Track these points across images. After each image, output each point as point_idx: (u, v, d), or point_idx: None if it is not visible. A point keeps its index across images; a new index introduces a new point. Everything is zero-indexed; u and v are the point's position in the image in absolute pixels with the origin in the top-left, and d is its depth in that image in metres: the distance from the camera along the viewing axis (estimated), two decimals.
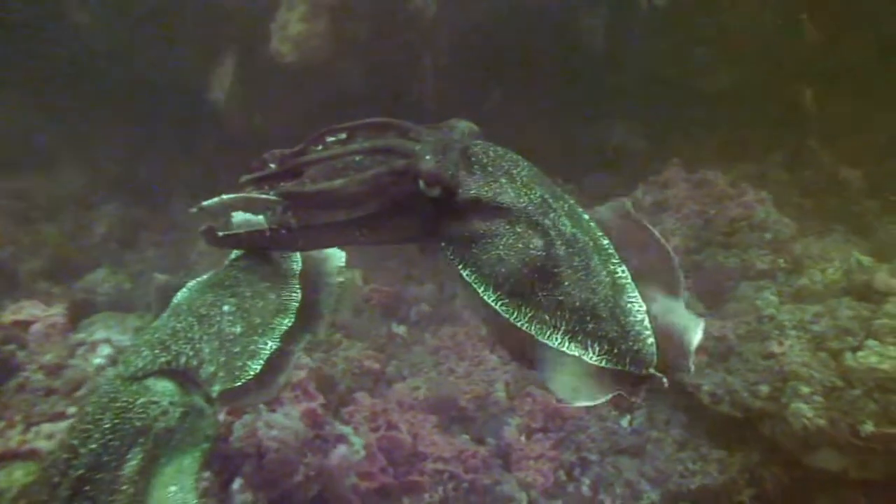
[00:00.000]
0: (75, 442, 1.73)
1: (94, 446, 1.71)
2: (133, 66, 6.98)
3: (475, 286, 1.72)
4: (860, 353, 3.67)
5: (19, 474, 2.50)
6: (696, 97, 7.01)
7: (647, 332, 1.64)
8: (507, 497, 4.08)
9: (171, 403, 1.82)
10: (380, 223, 1.87)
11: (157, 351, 1.87)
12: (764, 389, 3.83)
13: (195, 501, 1.79)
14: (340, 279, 2.31)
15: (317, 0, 5.82)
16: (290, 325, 2.03)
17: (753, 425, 3.94)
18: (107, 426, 1.74)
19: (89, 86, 7.08)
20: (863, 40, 6.54)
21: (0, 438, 2.53)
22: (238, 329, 1.96)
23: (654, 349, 1.63)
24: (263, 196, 1.93)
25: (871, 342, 3.79)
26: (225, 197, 1.96)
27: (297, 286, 2.12)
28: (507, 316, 1.69)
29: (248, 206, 1.98)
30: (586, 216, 1.85)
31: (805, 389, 3.66)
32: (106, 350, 2.82)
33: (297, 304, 2.08)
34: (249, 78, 6.66)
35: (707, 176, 5.80)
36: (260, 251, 2.11)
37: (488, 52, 6.58)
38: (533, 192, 1.77)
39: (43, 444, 2.56)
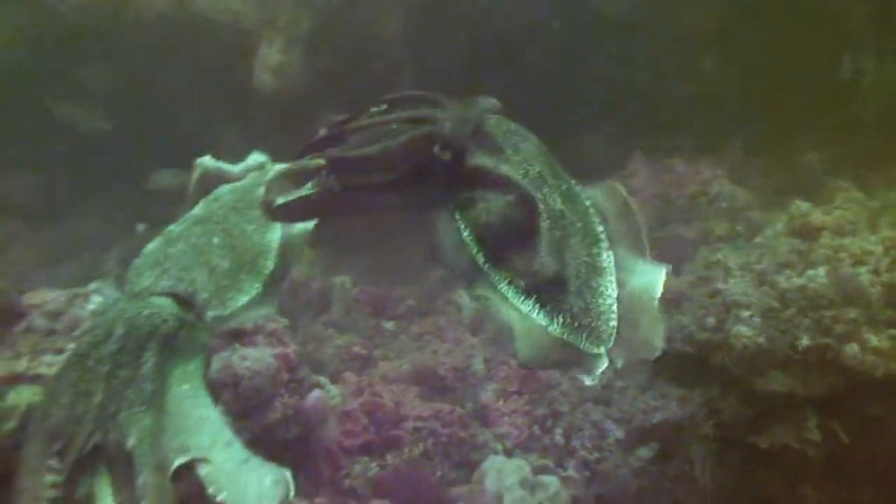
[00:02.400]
0: (95, 347, 1.94)
1: (113, 347, 1.93)
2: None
3: (470, 248, 1.86)
4: (794, 278, 3.94)
5: (27, 394, 2.85)
6: (662, 102, 7.43)
7: (610, 315, 1.72)
8: (483, 446, 4.32)
9: (170, 314, 2.06)
10: (406, 187, 2.01)
11: (157, 273, 2.12)
12: (710, 321, 4.09)
13: (206, 396, 2.01)
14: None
15: (291, 33, 6.38)
16: (272, 267, 2.25)
17: (708, 361, 4.18)
18: (120, 332, 1.97)
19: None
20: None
21: (9, 365, 2.92)
22: (226, 264, 2.19)
23: (612, 331, 1.70)
24: (312, 162, 2.08)
25: (809, 272, 4.06)
26: (280, 167, 2.17)
27: (278, 230, 2.33)
28: (492, 278, 1.82)
29: (300, 172, 2.13)
30: (587, 201, 1.96)
31: (745, 314, 3.92)
32: (98, 298, 3.22)
33: (276, 248, 2.30)
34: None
35: (668, 164, 6.18)
36: (304, 217, 2.25)
37: (457, 79, 7.07)
38: (532, 167, 1.90)
39: (45, 370, 2.94)
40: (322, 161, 2.03)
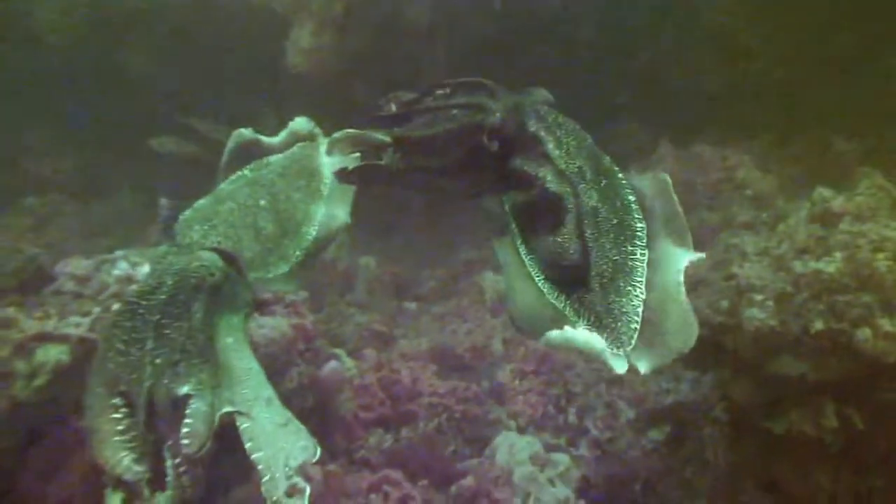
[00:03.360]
0: (145, 297, 1.98)
1: (162, 297, 1.97)
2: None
3: (516, 240, 1.94)
4: (810, 262, 3.92)
5: (54, 352, 3.05)
6: (698, 91, 7.37)
7: (633, 317, 1.70)
8: (496, 423, 4.40)
9: (217, 268, 2.10)
10: (457, 173, 2.08)
11: (206, 228, 2.18)
12: (724, 305, 4.10)
13: (249, 351, 2.06)
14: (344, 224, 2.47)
15: (324, 15, 6.49)
16: (314, 235, 2.29)
17: (721, 344, 4.19)
18: (170, 283, 2.01)
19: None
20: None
21: (39, 325, 3.09)
22: (271, 227, 2.24)
23: (632, 334, 1.68)
24: (378, 136, 2.19)
25: (826, 258, 4.04)
26: (349, 131, 2.28)
27: (322, 203, 2.37)
28: (531, 271, 1.87)
29: (365, 141, 2.26)
30: (630, 196, 1.94)
31: (758, 297, 3.92)
32: (123, 265, 3.38)
33: (319, 220, 2.34)
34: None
35: (696, 150, 6.15)
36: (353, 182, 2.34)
37: (487, 61, 7.10)
38: (573, 162, 1.92)
39: (72, 331, 3.11)
40: (387, 138, 2.12)
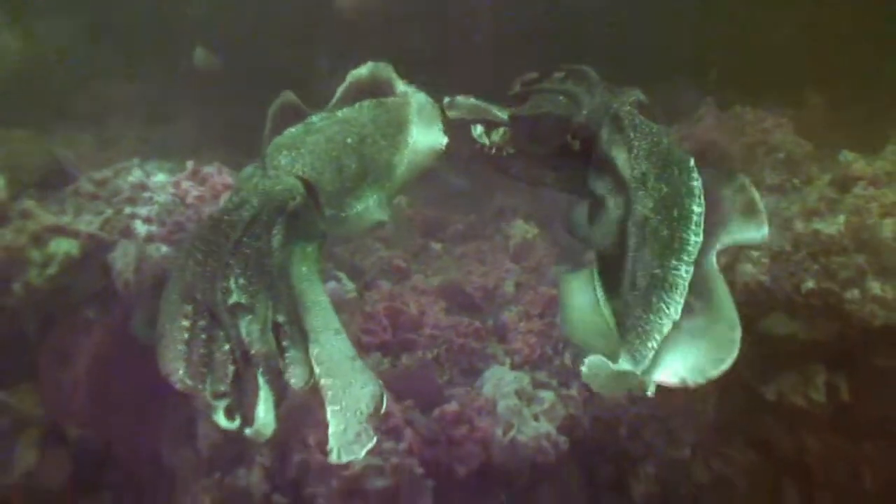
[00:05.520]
0: (228, 214, 2.02)
1: (245, 215, 2.00)
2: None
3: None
4: (812, 223, 3.89)
5: (65, 245, 3.35)
6: (750, 56, 7.16)
7: (655, 337, 1.67)
8: (491, 358, 4.55)
9: (299, 194, 2.13)
10: (551, 164, 2.11)
11: (293, 155, 2.22)
12: (722, 260, 4.09)
13: (320, 282, 2.09)
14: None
15: None
16: (392, 185, 2.30)
17: None
18: (254, 202, 2.04)
19: None
20: None
21: (55, 219, 3.41)
22: (353, 167, 2.25)
23: (649, 355, 1.65)
24: (498, 112, 2.21)
25: (830, 219, 3.99)
26: (473, 100, 2.27)
27: (406, 157, 2.35)
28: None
29: (481, 113, 2.26)
30: (694, 208, 1.81)
31: (755, 254, 3.92)
32: (138, 173, 3.66)
33: (400, 172, 2.33)
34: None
35: (738, 111, 6.01)
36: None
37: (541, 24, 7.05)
38: (638, 166, 1.87)
39: (84, 227, 3.42)
40: (506, 116, 2.15)
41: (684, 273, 1.71)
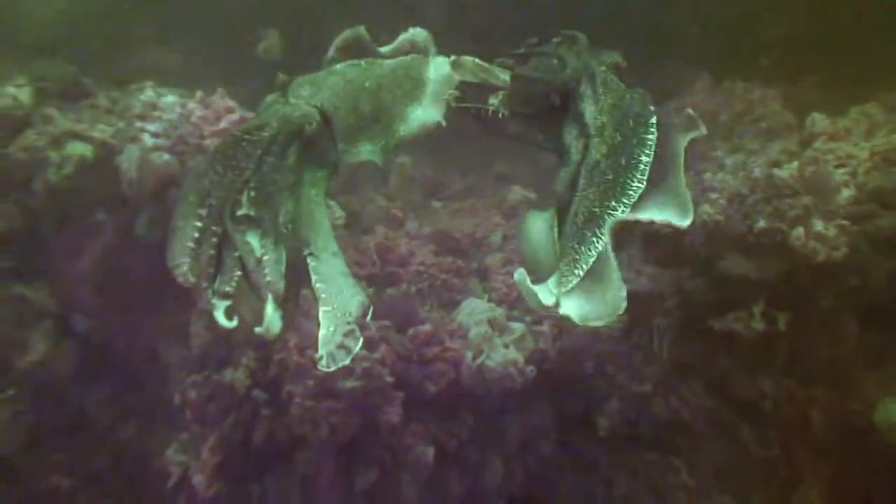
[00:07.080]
0: (249, 133, 2.15)
1: (265, 135, 2.16)
2: None
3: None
4: (768, 169, 4.14)
5: (80, 148, 3.75)
6: (749, 37, 7.37)
7: (580, 267, 1.81)
8: (470, 292, 4.85)
9: (315, 121, 2.28)
10: (538, 124, 2.28)
11: (313, 90, 2.39)
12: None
13: (325, 207, 2.26)
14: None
15: None
16: (402, 134, 2.41)
17: (681, 243, 4.46)
18: (274, 125, 2.17)
19: None
20: None
21: (72, 125, 3.81)
22: (368, 109, 2.40)
23: (571, 283, 1.80)
24: (501, 74, 2.37)
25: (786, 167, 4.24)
26: (478, 61, 2.44)
27: (419, 110, 2.47)
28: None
29: (488, 75, 2.41)
30: (643, 158, 1.94)
31: (714, 196, 4.17)
32: (150, 93, 4.06)
33: (412, 124, 2.45)
34: None
35: (728, 84, 6.26)
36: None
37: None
38: (599, 118, 2.07)
39: (97, 135, 3.81)
40: (507, 79, 2.32)
41: (619, 214, 1.83)
